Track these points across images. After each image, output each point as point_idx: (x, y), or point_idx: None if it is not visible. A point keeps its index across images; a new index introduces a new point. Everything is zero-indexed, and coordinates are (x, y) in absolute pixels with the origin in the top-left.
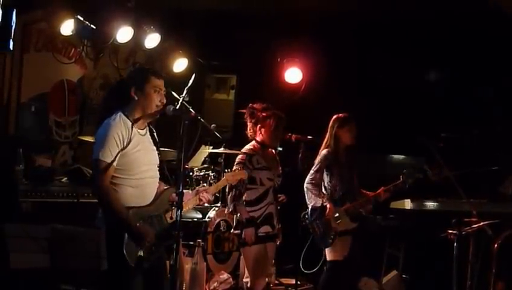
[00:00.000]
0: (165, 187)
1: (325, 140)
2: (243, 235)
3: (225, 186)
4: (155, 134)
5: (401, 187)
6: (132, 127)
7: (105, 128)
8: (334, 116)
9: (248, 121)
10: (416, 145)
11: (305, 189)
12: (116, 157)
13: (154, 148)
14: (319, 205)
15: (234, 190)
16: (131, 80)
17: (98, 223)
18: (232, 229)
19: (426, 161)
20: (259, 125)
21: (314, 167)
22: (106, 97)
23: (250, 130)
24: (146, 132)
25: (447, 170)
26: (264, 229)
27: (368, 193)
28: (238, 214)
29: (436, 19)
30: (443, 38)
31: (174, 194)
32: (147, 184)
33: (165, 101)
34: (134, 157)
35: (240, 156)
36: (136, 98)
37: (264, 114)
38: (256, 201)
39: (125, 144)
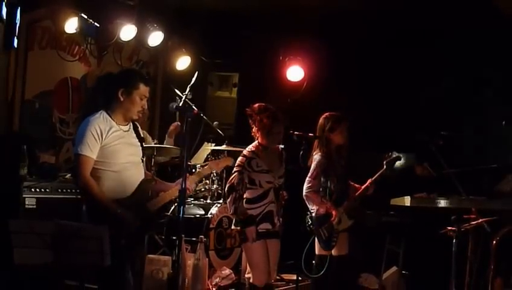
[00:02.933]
0: (147, 178)
1: (316, 143)
2: (245, 234)
3: (224, 187)
4: (139, 129)
5: (385, 174)
6: (113, 122)
7: (85, 124)
8: (324, 116)
9: (251, 123)
10: (413, 143)
11: (304, 197)
12: (95, 150)
13: (138, 143)
14: (324, 212)
15: (234, 192)
16: (120, 81)
17: (82, 219)
18: (232, 226)
19: (416, 157)
20: (256, 128)
21: (310, 173)
22: (91, 93)
23: (253, 131)
24: (129, 128)
25: (447, 167)
26: (264, 226)
27: (356, 185)
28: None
29: (437, 18)
30: (443, 37)
31: (154, 183)
32: (127, 177)
33: (146, 107)
34: (114, 150)
35: (239, 159)
36: (122, 100)
37: (258, 117)
38: (256, 200)
39: (103, 137)
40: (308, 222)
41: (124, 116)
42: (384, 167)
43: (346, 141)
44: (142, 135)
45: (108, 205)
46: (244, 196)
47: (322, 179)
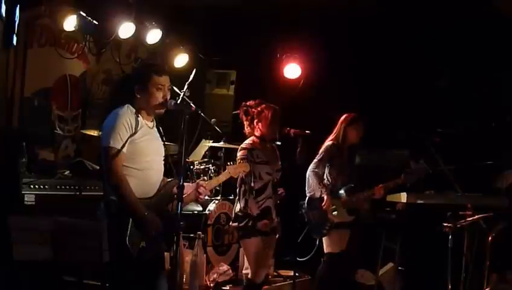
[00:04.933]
0: (169, 179)
1: (333, 134)
2: (258, 227)
3: (236, 181)
4: (160, 128)
5: (402, 185)
6: (139, 118)
7: (114, 116)
8: (345, 115)
9: (244, 120)
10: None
11: (307, 176)
12: (126, 143)
13: (161, 141)
14: (318, 195)
15: (243, 185)
16: (134, 78)
17: (100, 215)
18: (231, 222)
19: (411, 153)
20: (255, 120)
21: (318, 155)
22: (111, 93)
23: (247, 128)
24: (153, 126)
25: (443, 164)
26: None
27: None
28: (239, 207)
29: (434, 15)
30: (440, 34)
31: (176, 187)
32: (151, 175)
33: (168, 97)
34: (141, 146)
35: (241, 153)
36: (139, 96)
37: (258, 109)
38: (256, 194)
39: (133, 130)
40: (302, 205)
41: (146, 112)
42: (402, 177)
43: (359, 141)
44: (162, 133)
45: (137, 207)
46: (253, 191)
47: (326, 165)
